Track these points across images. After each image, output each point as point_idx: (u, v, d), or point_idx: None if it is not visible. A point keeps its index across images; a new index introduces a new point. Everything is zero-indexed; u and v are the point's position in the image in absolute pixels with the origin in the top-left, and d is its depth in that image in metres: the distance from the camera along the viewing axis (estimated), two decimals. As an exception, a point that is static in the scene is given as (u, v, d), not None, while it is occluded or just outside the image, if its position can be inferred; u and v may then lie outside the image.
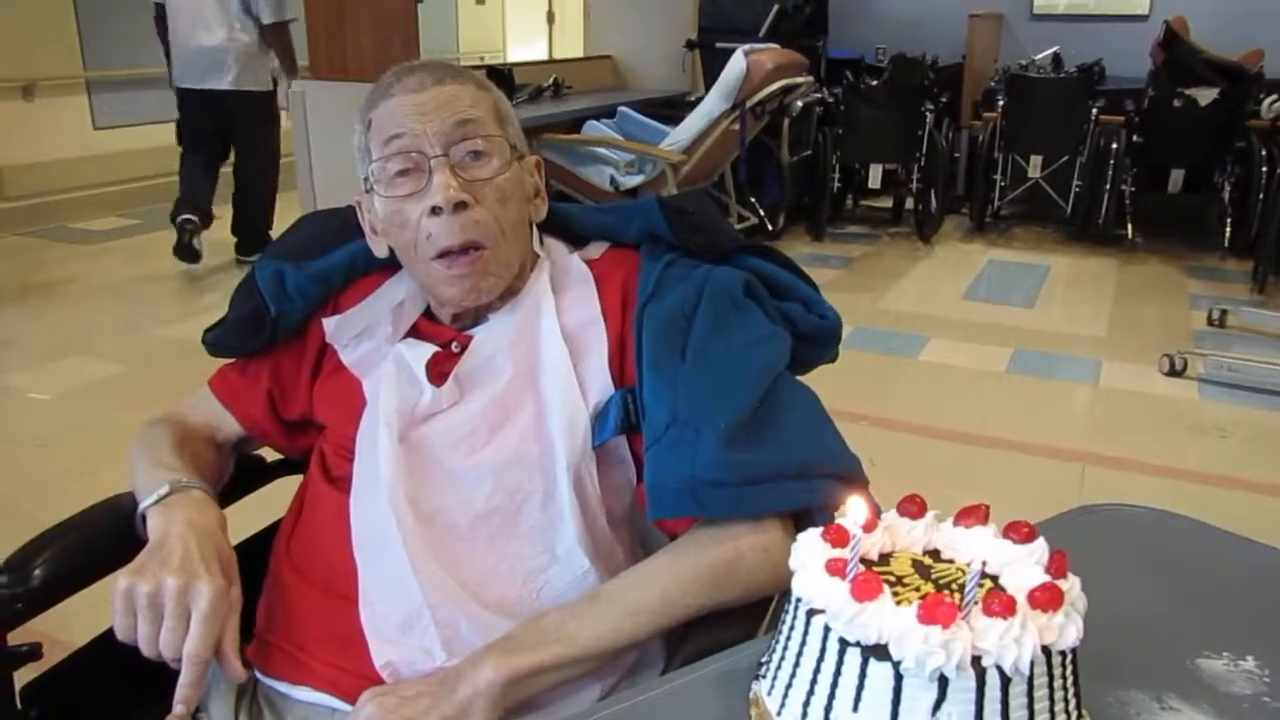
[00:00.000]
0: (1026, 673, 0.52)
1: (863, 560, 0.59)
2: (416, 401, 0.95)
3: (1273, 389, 3.23)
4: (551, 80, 5.23)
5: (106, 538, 0.92)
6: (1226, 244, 5.00)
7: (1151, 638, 0.73)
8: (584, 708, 0.82)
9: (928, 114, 5.23)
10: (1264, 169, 4.64)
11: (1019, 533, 0.61)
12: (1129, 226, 5.16)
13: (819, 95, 5.34)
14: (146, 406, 1.10)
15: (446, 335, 1.00)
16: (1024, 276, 4.80)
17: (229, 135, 4.53)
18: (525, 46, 8.45)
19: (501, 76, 4.57)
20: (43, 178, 5.37)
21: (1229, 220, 4.97)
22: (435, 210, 0.91)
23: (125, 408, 0.97)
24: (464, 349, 0.98)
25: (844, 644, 0.54)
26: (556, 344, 0.95)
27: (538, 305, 0.98)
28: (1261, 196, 4.62)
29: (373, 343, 1.00)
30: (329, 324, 1.03)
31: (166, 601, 0.80)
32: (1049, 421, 3.12)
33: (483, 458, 0.92)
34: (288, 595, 0.95)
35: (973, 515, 0.64)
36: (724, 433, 0.84)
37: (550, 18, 8.20)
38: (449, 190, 0.91)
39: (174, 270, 4.57)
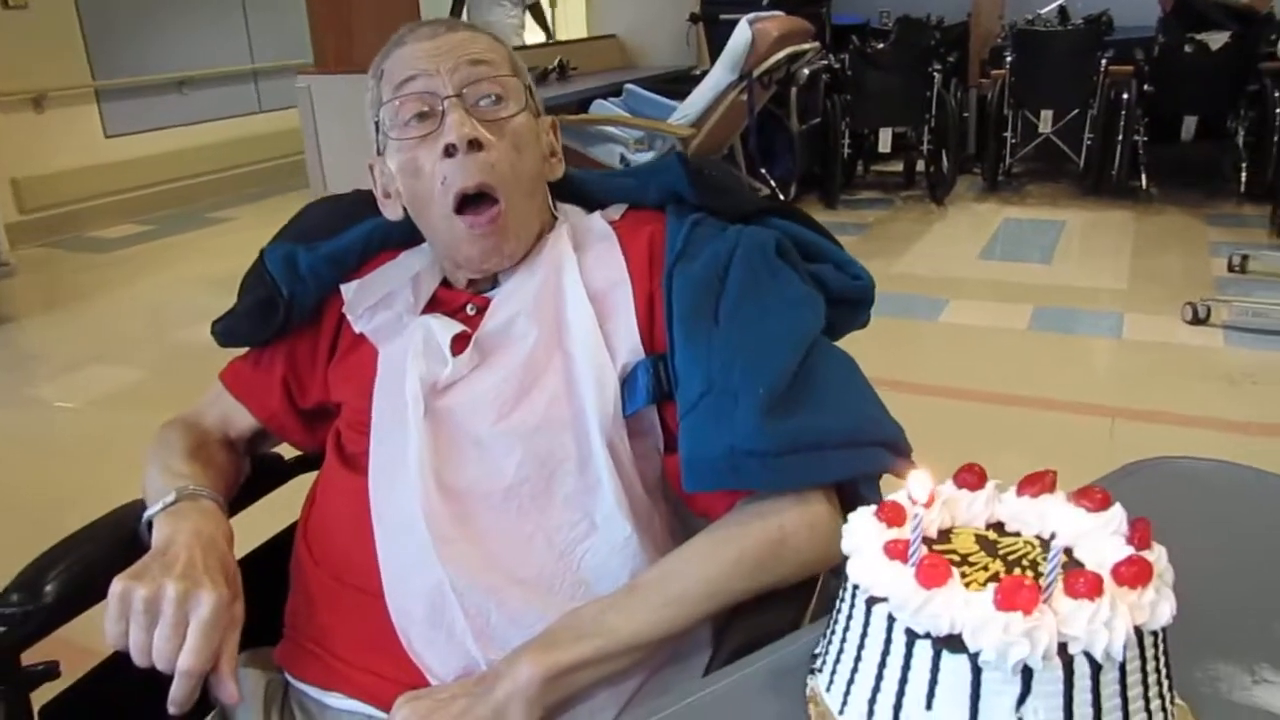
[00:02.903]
0: (1119, 658, 0.46)
1: (922, 539, 0.53)
2: (439, 374, 0.89)
3: (1300, 333, 3.15)
4: (557, 62, 5.13)
5: (122, 548, 0.86)
6: (1243, 189, 4.87)
7: (1231, 603, 0.66)
8: (623, 698, 0.78)
9: (935, 75, 5.10)
10: (1278, 111, 4.50)
11: (1092, 500, 0.55)
12: (1143, 178, 5.03)
13: (825, 62, 5.21)
14: (171, 410, 1.06)
15: (463, 299, 0.94)
16: (1040, 233, 4.69)
17: None
18: (528, 30, 8.36)
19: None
20: (57, 188, 5.31)
21: (1244, 166, 4.84)
22: (449, 151, 0.87)
23: (150, 413, 0.95)
24: (481, 311, 0.92)
25: (912, 635, 0.48)
26: (582, 304, 0.89)
27: (559, 265, 0.92)
28: (1277, 139, 4.48)
29: (391, 312, 0.95)
30: (348, 289, 0.97)
31: (165, 607, 0.74)
32: (1075, 377, 3.03)
33: (511, 424, 0.86)
34: (311, 591, 0.90)
35: (1038, 483, 0.58)
36: (763, 400, 0.78)
37: (553, 0, 8.08)
38: (463, 128, 0.86)
39: (191, 274, 4.53)
